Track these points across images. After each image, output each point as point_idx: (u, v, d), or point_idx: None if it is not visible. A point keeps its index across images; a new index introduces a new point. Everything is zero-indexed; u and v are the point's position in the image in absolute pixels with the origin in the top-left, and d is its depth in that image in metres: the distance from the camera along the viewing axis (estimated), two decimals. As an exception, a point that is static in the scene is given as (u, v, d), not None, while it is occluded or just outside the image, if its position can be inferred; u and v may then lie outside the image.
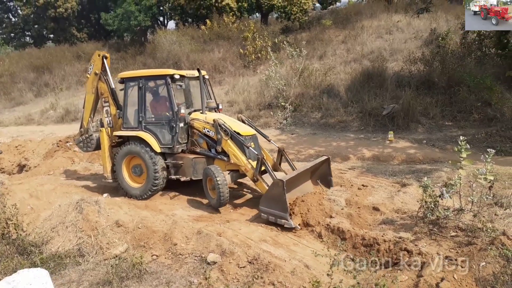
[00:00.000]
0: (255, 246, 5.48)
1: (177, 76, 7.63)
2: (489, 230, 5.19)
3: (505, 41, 13.64)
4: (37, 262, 5.41)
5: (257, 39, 20.46)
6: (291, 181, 6.46)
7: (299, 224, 6.20)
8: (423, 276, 4.55)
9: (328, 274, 4.02)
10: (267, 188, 6.66)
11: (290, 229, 6.39)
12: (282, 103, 14.97)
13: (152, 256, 5.58)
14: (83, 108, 9.20)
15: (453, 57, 14.70)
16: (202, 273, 4.98)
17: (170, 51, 21.90)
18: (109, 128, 8.50)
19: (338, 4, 27.52)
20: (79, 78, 25.89)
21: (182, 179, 7.73)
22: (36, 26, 34.52)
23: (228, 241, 5.57)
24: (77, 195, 7.45)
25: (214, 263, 5.21)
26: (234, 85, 18.61)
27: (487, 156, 5.63)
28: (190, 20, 27.77)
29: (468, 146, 5.89)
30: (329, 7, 26.96)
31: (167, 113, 7.91)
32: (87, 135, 8.97)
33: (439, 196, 5.89)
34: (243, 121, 8.14)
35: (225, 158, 7.35)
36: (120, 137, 8.42)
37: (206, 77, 8.47)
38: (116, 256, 5.55)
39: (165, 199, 7.99)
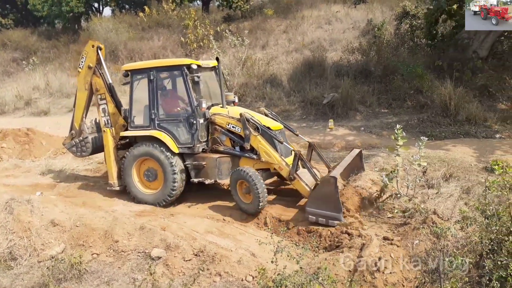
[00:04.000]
0: (201, 238, 5.48)
1: (194, 66, 6.86)
2: (422, 210, 5.54)
3: (434, 32, 14.53)
4: (-38, 270, 4.98)
5: (199, 27, 20.08)
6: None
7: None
8: (363, 257, 4.76)
9: (272, 261, 4.07)
10: (305, 186, 6.28)
11: (237, 219, 6.43)
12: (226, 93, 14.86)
13: (92, 254, 5.37)
14: (74, 107, 8.22)
15: (388, 47, 15.37)
16: (146, 269, 4.87)
17: (106, 39, 20.87)
18: (113, 129, 7.59)
19: (279, -7, 27.64)
20: (6, 68, 23.95)
21: (207, 181, 6.90)
22: (-46, 10, 31.29)
23: (172, 235, 5.50)
24: (7, 195, 6.89)
25: (159, 258, 5.13)
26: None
27: (420, 143, 5.96)
28: (127, 6, 26.61)
29: (404, 134, 6.22)
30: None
31: (185, 109, 7.17)
32: (81, 138, 8.03)
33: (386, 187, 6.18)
34: (265, 115, 7.45)
35: (254, 156, 6.69)
36: (125, 138, 7.54)
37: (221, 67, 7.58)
38: (53, 257, 5.26)
39: (106, 195, 7.66)
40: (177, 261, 5.00)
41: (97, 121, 8.00)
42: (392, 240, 5.26)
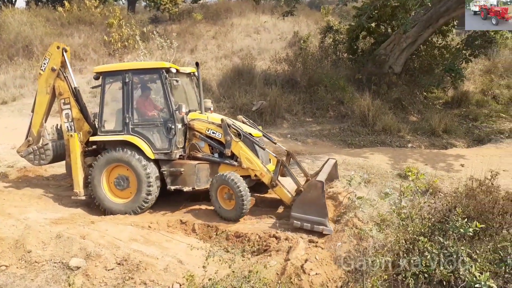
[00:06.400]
0: (125, 246, 5.21)
1: (173, 70, 6.67)
2: (346, 214, 5.84)
3: (355, 47, 15.53)
4: None
5: (124, 27, 19.31)
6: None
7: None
8: (289, 260, 4.87)
9: (203, 266, 4.01)
10: (287, 193, 6.21)
11: (163, 226, 6.23)
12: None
13: (0, 266, 4.82)
14: (32, 112, 7.47)
15: (313, 59, 16.12)
16: (64, 280, 4.52)
17: (19, 32, 19.21)
18: (80, 134, 7.02)
19: (208, -1, 27.61)
20: None
21: (185, 189, 6.64)
22: None
23: (93, 243, 5.16)
24: None
25: (78, 268, 4.77)
26: (98, 75, 17.26)
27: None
28: (44, 0, 24.77)
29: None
30: (199, 1, 26.84)
31: (163, 113, 6.88)
32: (39, 145, 7.27)
33: None
34: (243, 122, 7.31)
35: (235, 163, 6.55)
36: (91, 144, 7.07)
37: (196, 73, 7.45)
38: (-50, 272, 4.64)
39: (17, 202, 6.97)
40: (99, 270, 4.70)
41: (59, 127, 7.42)
42: (317, 242, 5.46)
